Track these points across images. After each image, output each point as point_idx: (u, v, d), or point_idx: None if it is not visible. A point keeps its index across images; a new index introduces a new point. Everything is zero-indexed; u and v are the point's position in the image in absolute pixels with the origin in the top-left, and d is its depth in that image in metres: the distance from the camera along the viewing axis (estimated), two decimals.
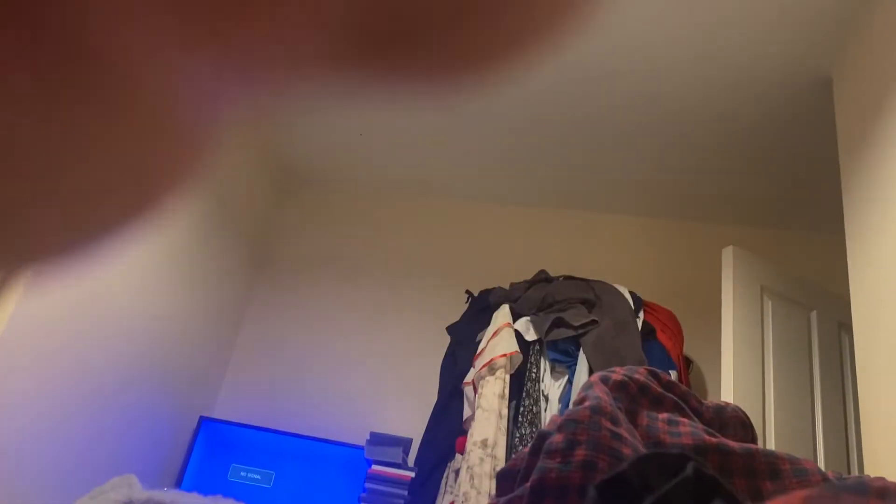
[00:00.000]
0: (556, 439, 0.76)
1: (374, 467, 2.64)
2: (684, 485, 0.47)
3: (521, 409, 2.33)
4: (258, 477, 2.76)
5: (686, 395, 1.02)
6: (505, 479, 0.87)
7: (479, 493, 2.15)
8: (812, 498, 0.36)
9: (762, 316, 2.37)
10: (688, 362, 2.68)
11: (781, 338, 2.38)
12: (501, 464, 2.21)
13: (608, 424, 0.79)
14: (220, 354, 3.15)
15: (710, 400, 1.14)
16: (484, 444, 2.24)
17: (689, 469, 0.48)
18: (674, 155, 2.80)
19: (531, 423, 2.30)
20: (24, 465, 1.88)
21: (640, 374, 0.96)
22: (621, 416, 0.84)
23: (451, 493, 2.36)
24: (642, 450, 0.81)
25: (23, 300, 1.84)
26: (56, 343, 2.00)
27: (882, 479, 0.55)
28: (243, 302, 3.29)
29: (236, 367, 3.21)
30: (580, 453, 0.75)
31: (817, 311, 2.56)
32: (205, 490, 2.66)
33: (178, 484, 2.69)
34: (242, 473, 2.77)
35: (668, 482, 0.48)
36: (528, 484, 0.75)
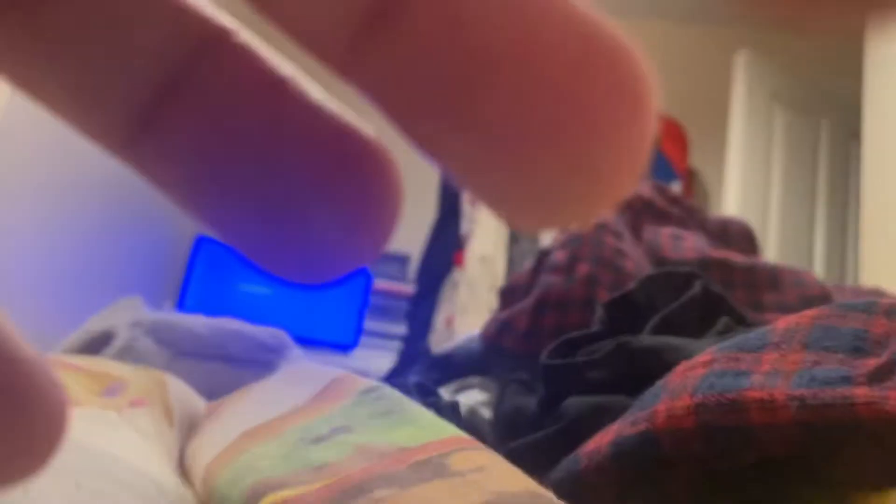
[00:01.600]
0: (559, 255, 0.76)
1: (376, 282, 2.70)
2: (691, 303, 0.46)
3: None
4: (264, 290, 2.83)
5: (691, 210, 1.01)
6: (507, 295, 0.87)
7: (477, 306, 2.21)
8: (821, 316, 0.35)
9: (771, 125, 2.32)
10: (692, 174, 2.66)
11: (790, 148, 2.34)
12: (500, 278, 2.26)
13: (611, 240, 0.78)
14: None
15: (716, 214, 1.13)
16: (483, 258, 2.27)
17: (697, 287, 0.47)
18: None
19: (531, 239, 2.32)
20: (14, 292, 1.90)
21: (645, 189, 0.94)
22: (625, 232, 0.83)
23: (451, 306, 2.42)
24: (645, 265, 0.81)
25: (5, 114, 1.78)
26: (43, 162, 1.96)
27: (892, 298, 0.54)
28: None
29: None
30: (583, 269, 0.74)
31: (829, 119, 2.49)
32: (208, 311, 2.75)
33: (180, 306, 2.76)
34: (247, 288, 2.83)
35: (675, 301, 0.47)
36: (531, 299, 0.75)
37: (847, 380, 0.28)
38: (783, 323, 0.35)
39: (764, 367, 0.32)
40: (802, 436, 0.28)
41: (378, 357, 2.55)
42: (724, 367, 0.33)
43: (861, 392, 0.28)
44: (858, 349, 0.31)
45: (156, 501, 0.32)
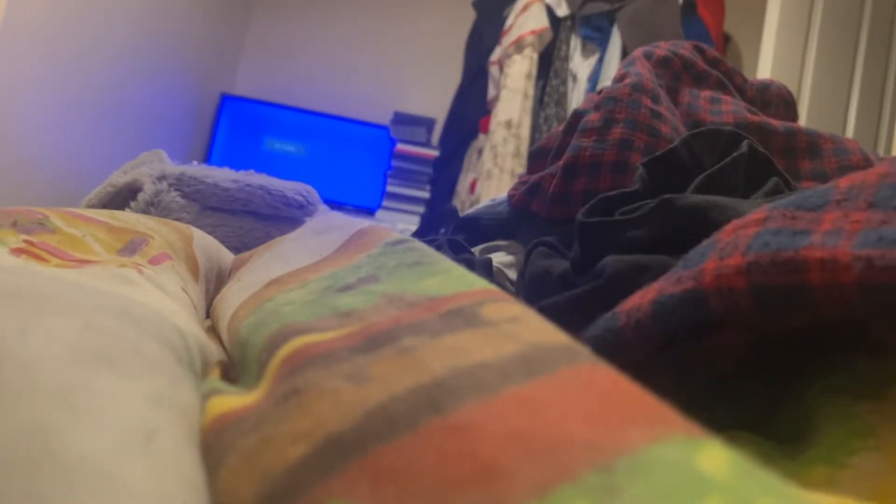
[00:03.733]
0: (593, 117, 0.72)
1: (399, 146, 2.67)
2: (738, 162, 0.43)
3: (548, 88, 2.27)
4: (292, 149, 2.81)
5: (731, 72, 0.96)
6: (536, 158, 0.84)
7: (501, 171, 2.18)
8: (890, 174, 0.32)
9: None
10: (727, 39, 2.54)
11: (830, 12, 2.21)
12: (525, 144, 2.21)
13: (648, 102, 0.74)
14: (236, 26, 3.03)
15: (755, 78, 1.07)
16: (508, 124, 2.22)
17: (744, 146, 0.44)
18: None
19: (557, 104, 2.26)
20: (43, 151, 1.88)
21: (685, 49, 0.89)
22: (662, 94, 0.79)
23: (474, 171, 2.39)
24: (682, 129, 0.77)
25: None
26: (64, 24, 1.90)
27: None
28: None
29: (254, 43, 3.11)
30: (616, 131, 0.71)
31: None
32: (236, 165, 2.74)
33: (206, 162, 2.75)
34: (276, 145, 2.81)
35: (719, 160, 0.44)
36: (561, 162, 0.72)
37: None
38: (846, 181, 0.32)
39: (825, 227, 0.30)
40: (865, 299, 0.26)
41: (402, 220, 2.56)
42: (781, 224, 0.31)
43: None
44: None
45: (175, 343, 0.31)
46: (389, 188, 2.65)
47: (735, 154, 0.43)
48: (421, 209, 2.63)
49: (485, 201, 0.93)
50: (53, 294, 0.27)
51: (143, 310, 0.31)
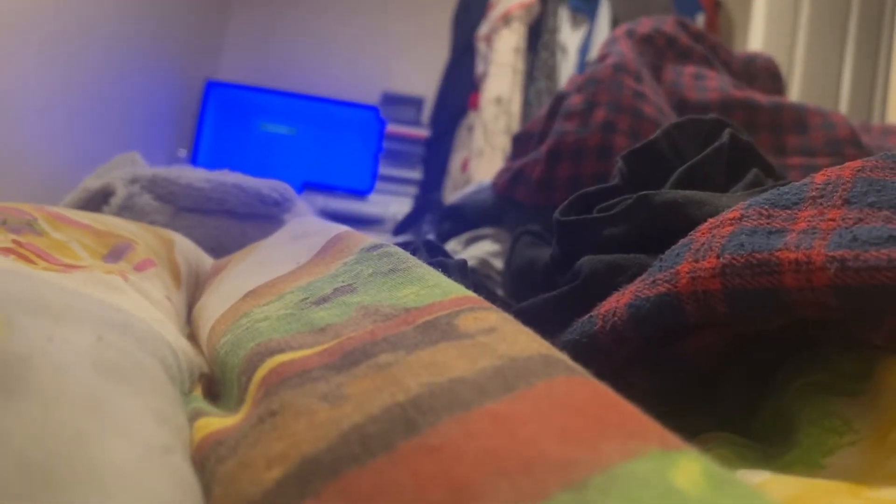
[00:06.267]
0: (575, 100, 0.71)
1: (390, 127, 2.65)
2: (719, 153, 0.43)
3: (537, 62, 2.25)
4: (283, 131, 2.79)
5: (716, 46, 0.95)
6: (520, 142, 0.84)
7: (493, 149, 2.17)
8: (866, 168, 0.32)
9: None
10: (717, 5, 2.52)
11: None
12: (516, 120, 2.20)
13: (631, 83, 0.73)
14: (218, 10, 2.99)
15: (741, 51, 1.06)
16: (498, 100, 2.20)
17: (725, 136, 0.43)
18: None
19: (548, 77, 2.24)
20: (22, 144, 1.86)
21: (668, 25, 0.88)
22: (645, 73, 0.78)
23: (466, 149, 2.38)
24: (666, 108, 0.76)
25: None
26: (39, 11, 1.88)
27: None
28: None
29: (237, 27, 3.08)
30: (599, 115, 0.70)
31: None
32: (223, 156, 2.73)
33: (194, 152, 2.73)
34: (268, 128, 2.79)
35: (701, 150, 0.43)
36: (544, 147, 0.72)
37: (894, 240, 0.26)
38: (822, 176, 0.32)
39: (800, 225, 0.29)
40: (840, 300, 0.26)
41: (395, 202, 2.55)
42: (755, 224, 0.30)
43: None
44: None
45: (169, 362, 0.31)
46: (382, 170, 2.64)
47: (716, 145, 0.43)
48: (413, 190, 2.62)
49: (471, 186, 0.93)
50: (66, 304, 0.28)
51: (141, 325, 0.31)
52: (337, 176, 2.76)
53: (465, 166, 2.33)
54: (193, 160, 2.74)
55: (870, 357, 0.30)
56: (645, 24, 0.86)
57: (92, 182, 0.59)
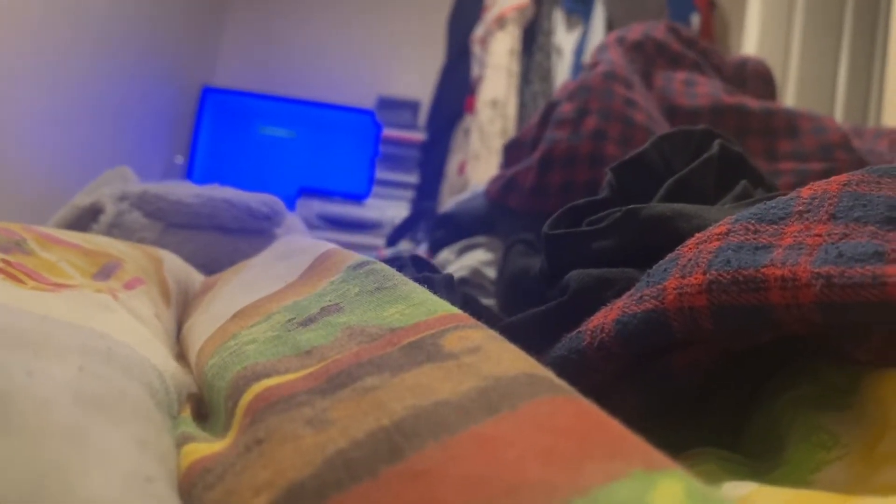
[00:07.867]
0: (566, 108, 0.71)
1: (386, 131, 2.65)
2: (708, 164, 0.42)
3: (532, 64, 2.25)
4: (282, 134, 2.79)
5: (707, 52, 0.95)
6: (512, 150, 0.84)
7: (489, 151, 2.17)
8: (852, 182, 0.32)
9: None
10: (711, 6, 2.52)
11: None
12: (512, 122, 2.20)
13: (621, 90, 0.73)
14: (214, 16, 2.99)
15: (733, 55, 1.06)
16: (494, 102, 2.20)
17: (715, 147, 0.43)
18: None
19: (543, 79, 2.24)
20: (18, 152, 1.86)
21: (658, 31, 0.88)
22: (636, 80, 0.78)
23: (462, 153, 2.38)
24: (657, 115, 0.76)
25: None
26: (34, 17, 1.88)
27: None
28: None
29: (233, 33, 3.08)
30: (590, 122, 0.70)
31: None
32: (219, 163, 2.72)
33: (191, 158, 2.73)
34: (266, 131, 2.79)
35: (691, 161, 0.43)
36: (536, 154, 0.72)
37: (879, 256, 0.25)
38: (808, 190, 0.32)
39: (786, 241, 0.29)
40: (825, 318, 0.26)
41: (392, 206, 2.55)
42: (742, 239, 0.30)
43: (894, 270, 0.25)
44: (893, 220, 0.28)
45: (155, 387, 0.31)
46: (379, 174, 2.64)
47: (705, 156, 0.42)
48: (410, 194, 2.62)
49: (464, 193, 0.93)
50: (46, 334, 0.28)
51: (125, 351, 0.31)
52: (334, 180, 2.76)
53: (461, 169, 2.33)
54: (190, 167, 2.74)
55: (858, 369, 0.30)
56: (636, 31, 0.86)
57: (81, 199, 0.59)
